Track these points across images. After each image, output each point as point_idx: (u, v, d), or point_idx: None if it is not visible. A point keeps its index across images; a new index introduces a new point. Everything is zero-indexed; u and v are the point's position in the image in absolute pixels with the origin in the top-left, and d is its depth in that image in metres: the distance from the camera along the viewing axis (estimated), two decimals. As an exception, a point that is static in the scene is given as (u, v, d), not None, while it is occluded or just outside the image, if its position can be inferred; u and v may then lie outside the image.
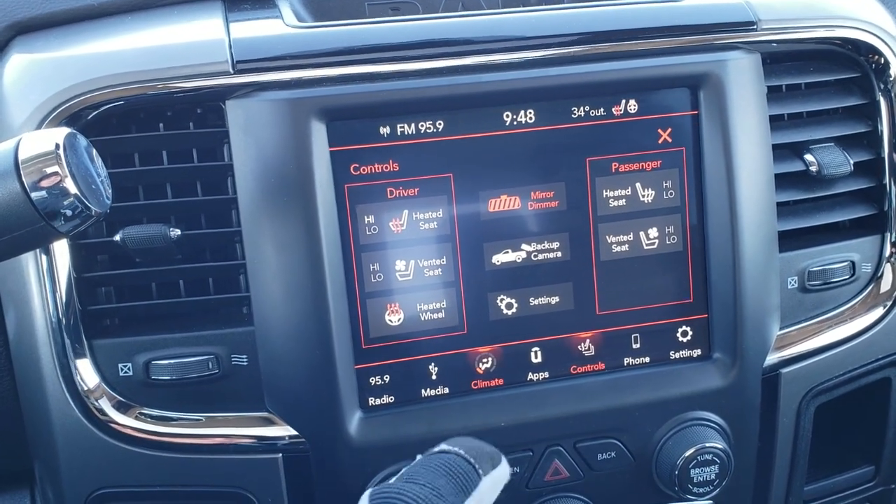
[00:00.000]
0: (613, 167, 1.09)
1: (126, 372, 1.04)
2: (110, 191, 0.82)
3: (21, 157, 0.75)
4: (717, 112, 1.09)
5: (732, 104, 1.10)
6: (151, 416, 1.04)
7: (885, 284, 1.24)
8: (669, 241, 1.12)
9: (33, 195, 0.75)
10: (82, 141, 0.80)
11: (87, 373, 1.03)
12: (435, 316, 1.08)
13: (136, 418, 1.04)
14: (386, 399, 1.08)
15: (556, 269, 1.10)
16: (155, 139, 1.05)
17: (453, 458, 0.82)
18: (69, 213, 0.77)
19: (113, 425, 1.03)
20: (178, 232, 1.02)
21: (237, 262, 1.05)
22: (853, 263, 1.22)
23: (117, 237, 1.02)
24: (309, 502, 1.09)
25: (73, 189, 0.76)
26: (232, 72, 1.01)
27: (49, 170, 0.76)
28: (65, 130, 0.78)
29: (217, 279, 1.07)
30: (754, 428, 1.18)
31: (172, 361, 1.03)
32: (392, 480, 0.82)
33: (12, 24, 1.11)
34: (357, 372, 1.06)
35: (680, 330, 1.14)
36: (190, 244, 1.05)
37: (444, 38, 1.06)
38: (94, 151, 0.82)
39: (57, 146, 0.76)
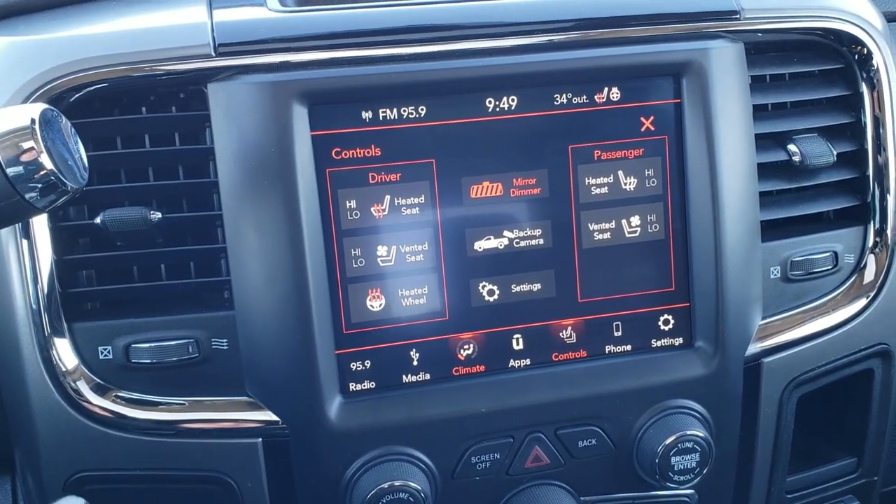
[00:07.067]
0: (596, 155, 1.10)
1: (106, 355, 1.04)
2: (86, 166, 0.82)
3: (-4, 131, 0.75)
4: (699, 101, 1.10)
5: (715, 93, 1.10)
6: (128, 399, 1.04)
7: (868, 275, 1.24)
8: (651, 229, 1.12)
9: (8, 170, 0.75)
10: (58, 117, 0.80)
11: (66, 355, 1.03)
12: (416, 302, 1.08)
13: (113, 401, 1.04)
14: (367, 384, 1.08)
15: (538, 256, 1.10)
16: (137, 122, 1.05)
17: None
18: (45, 188, 0.77)
19: (89, 406, 1.03)
20: (158, 215, 1.03)
21: (218, 245, 1.05)
22: (836, 254, 1.22)
23: (98, 220, 1.02)
24: (288, 487, 1.09)
25: (48, 164, 0.76)
26: (214, 55, 1.01)
27: (24, 145, 0.76)
28: (41, 106, 0.78)
29: (198, 263, 1.07)
30: (736, 417, 1.18)
31: (152, 345, 1.03)
32: None
33: (-4, 7, 1.11)
34: (338, 357, 1.06)
35: (662, 318, 1.14)
36: (171, 228, 1.05)
37: (426, 23, 1.06)
38: (71, 127, 0.82)
39: (32, 121, 0.76)
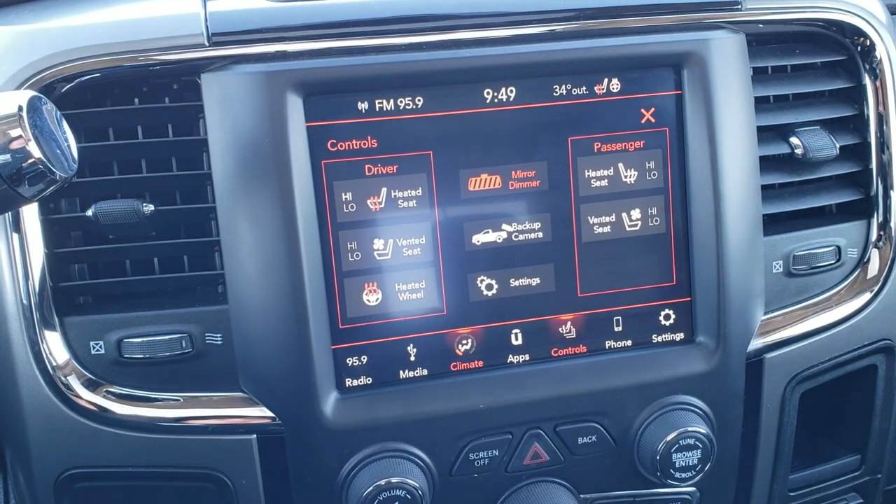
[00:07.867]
0: (596, 147, 1.08)
1: (98, 350, 1.02)
2: (75, 156, 0.81)
3: (-18, 118, 0.74)
4: (700, 92, 1.08)
5: (716, 84, 1.08)
6: (119, 395, 1.03)
7: (872, 270, 1.23)
8: (652, 222, 1.10)
9: (-5, 158, 0.74)
10: (47, 104, 0.79)
11: (57, 349, 1.01)
12: (414, 296, 1.06)
13: (104, 396, 1.02)
14: (363, 380, 1.06)
15: (537, 250, 1.08)
16: (130, 113, 1.03)
17: None
18: (33, 176, 0.75)
19: (79, 402, 1.01)
20: (151, 207, 1.01)
21: (212, 238, 1.04)
22: (839, 248, 1.21)
23: (90, 212, 1.00)
24: (283, 484, 1.07)
25: (36, 153, 0.75)
26: (207, 45, 1.00)
27: (12, 132, 0.74)
28: (29, 93, 0.77)
29: (191, 256, 1.06)
30: (738, 413, 1.16)
31: (145, 339, 1.02)
32: None
33: (-14, -2, 1.10)
34: (334, 352, 1.04)
35: (663, 313, 1.12)
36: (164, 220, 1.03)
37: (424, 13, 1.04)
38: (60, 115, 0.80)
39: (20, 108, 0.75)
